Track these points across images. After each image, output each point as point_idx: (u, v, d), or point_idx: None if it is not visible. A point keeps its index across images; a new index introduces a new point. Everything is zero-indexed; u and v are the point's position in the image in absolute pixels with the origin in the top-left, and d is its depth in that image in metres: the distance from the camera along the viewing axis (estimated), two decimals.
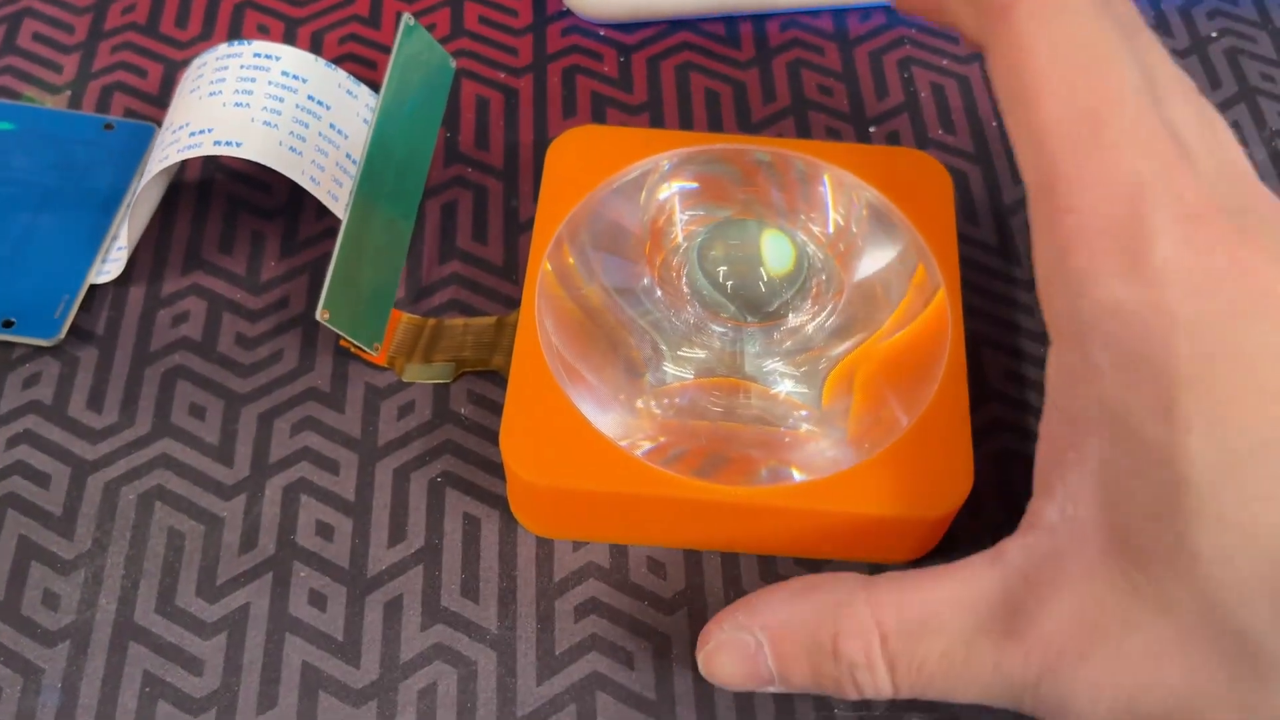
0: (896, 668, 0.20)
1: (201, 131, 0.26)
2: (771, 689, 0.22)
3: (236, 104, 0.26)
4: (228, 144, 0.26)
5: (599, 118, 0.32)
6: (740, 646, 0.21)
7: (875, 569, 0.25)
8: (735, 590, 0.24)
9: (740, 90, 0.32)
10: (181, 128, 0.26)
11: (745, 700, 0.23)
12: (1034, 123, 0.19)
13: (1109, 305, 0.18)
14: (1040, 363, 0.28)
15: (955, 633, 0.20)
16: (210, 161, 0.31)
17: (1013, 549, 0.20)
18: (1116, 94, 0.19)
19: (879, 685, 0.20)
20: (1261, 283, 0.18)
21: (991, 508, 0.26)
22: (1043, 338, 0.28)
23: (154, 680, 0.23)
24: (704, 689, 0.23)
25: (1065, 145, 0.19)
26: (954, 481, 0.23)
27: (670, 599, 0.24)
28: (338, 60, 0.33)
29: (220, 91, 0.27)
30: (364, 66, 0.33)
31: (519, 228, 0.30)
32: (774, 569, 0.25)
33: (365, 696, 0.23)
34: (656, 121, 0.32)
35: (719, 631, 0.21)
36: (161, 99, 0.32)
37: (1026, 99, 0.19)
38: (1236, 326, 0.18)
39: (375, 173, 0.27)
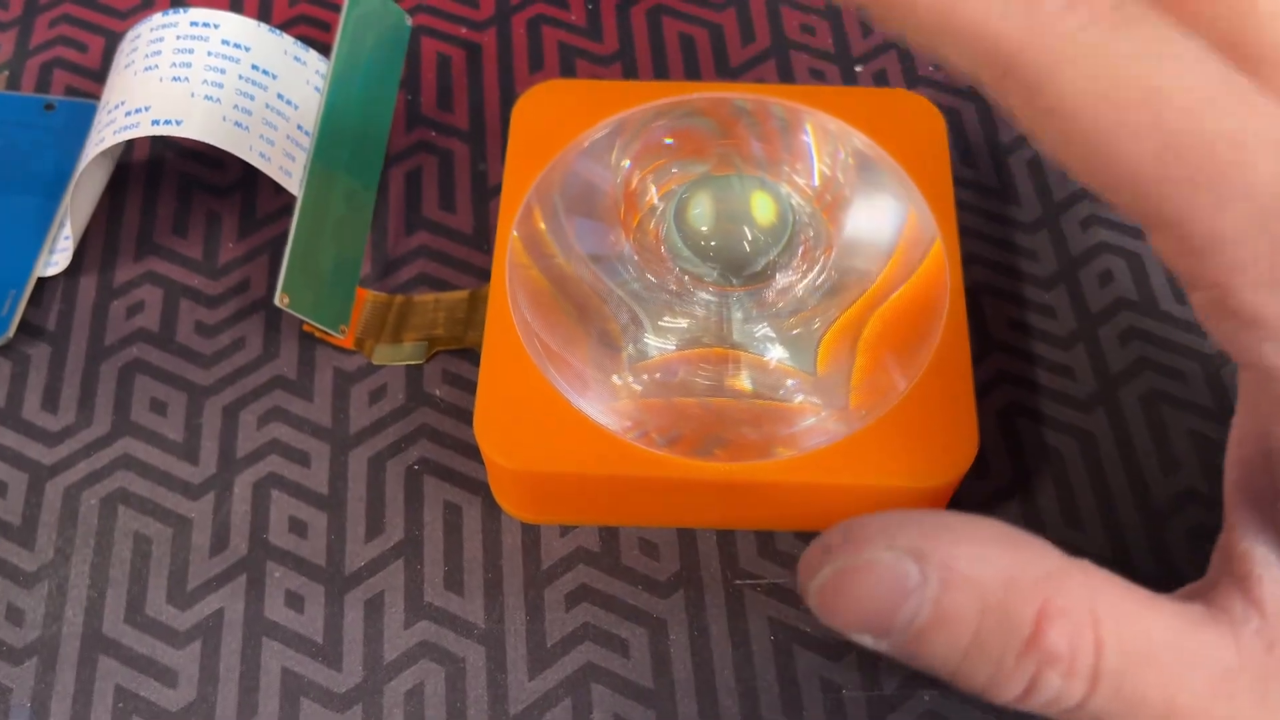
0: (1099, 687, 0.15)
1: (138, 110, 0.24)
2: (880, 645, 0.16)
3: (175, 78, 0.24)
4: (167, 122, 0.24)
5: (568, 71, 0.30)
6: (895, 576, 0.15)
7: None
8: (732, 569, 0.23)
9: (717, 33, 0.31)
10: (117, 107, 0.25)
11: (749, 684, 0.22)
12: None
13: None
14: (1043, 309, 0.26)
15: (1202, 686, 0.15)
16: (158, 139, 0.29)
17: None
18: None
19: (1063, 699, 0.15)
20: None
21: (998, 467, 0.24)
22: (1046, 282, 0.27)
23: (127, 695, 0.22)
24: (704, 675, 0.22)
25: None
26: (958, 447, 0.22)
27: (665, 581, 0.23)
28: (291, 23, 0.31)
29: (156, 65, 0.25)
30: (317, 28, 0.31)
31: (488, 193, 0.28)
32: (773, 544, 0.24)
33: (349, 700, 0.22)
34: (629, 72, 0.30)
35: (867, 549, 0.15)
36: (105, 74, 0.30)
37: None
38: None
39: (330, 143, 0.25)
